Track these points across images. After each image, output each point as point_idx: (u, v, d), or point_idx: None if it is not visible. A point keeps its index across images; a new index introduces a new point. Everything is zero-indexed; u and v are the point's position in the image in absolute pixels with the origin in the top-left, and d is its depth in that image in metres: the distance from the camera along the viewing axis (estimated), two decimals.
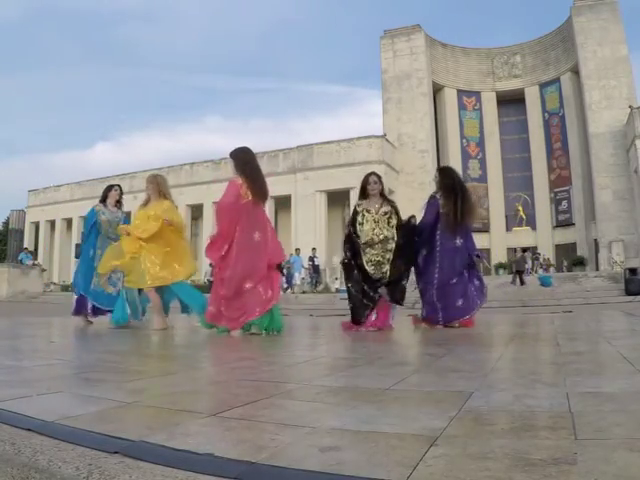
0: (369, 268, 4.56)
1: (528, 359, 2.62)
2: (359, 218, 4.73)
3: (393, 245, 4.60)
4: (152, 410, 1.46)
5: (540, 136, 33.33)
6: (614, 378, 1.86)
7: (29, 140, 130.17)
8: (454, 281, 4.75)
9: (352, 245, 4.70)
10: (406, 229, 4.67)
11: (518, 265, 20.45)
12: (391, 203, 4.80)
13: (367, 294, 4.56)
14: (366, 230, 4.63)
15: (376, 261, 4.58)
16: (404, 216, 4.77)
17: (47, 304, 17.82)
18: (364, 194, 4.81)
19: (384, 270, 4.55)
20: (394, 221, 4.67)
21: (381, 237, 4.61)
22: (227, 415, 1.35)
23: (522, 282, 19.41)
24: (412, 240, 4.70)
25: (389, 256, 4.57)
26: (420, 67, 32.40)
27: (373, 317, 4.57)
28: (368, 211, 4.71)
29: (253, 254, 4.26)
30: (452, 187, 4.93)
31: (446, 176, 5.07)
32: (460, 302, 4.75)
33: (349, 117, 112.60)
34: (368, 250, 4.60)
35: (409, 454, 0.99)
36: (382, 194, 4.82)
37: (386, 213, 4.69)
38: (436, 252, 4.75)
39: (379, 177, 4.88)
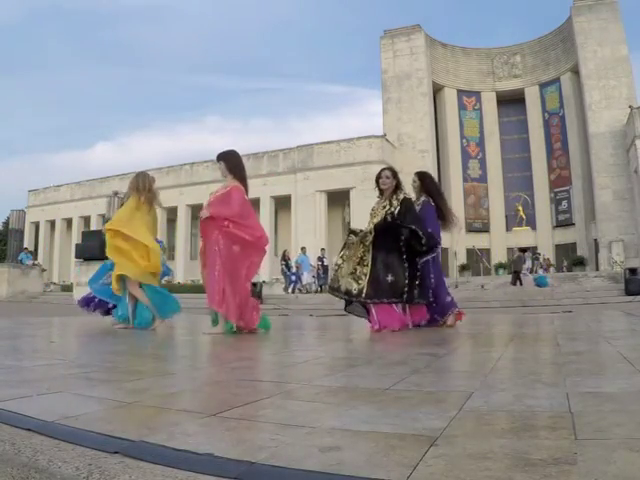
0: (337, 272, 4.42)
1: (528, 359, 2.62)
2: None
3: (371, 238, 4.28)
4: (152, 410, 1.46)
5: (540, 136, 33.36)
6: (614, 378, 1.86)
7: (29, 140, 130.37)
8: (443, 280, 4.94)
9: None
10: (388, 224, 4.30)
11: (515, 265, 20.45)
12: (396, 197, 4.42)
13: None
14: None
15: (359, 258, 4.31)
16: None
17: (47, 304, 17.83)
18: (380, 191, 4.57)
19: (366, 262, 4.27)
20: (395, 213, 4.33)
21: (361, 231, 4.36)
22: (227, 415, 1.35)
23: (517, 282, 19.37)
24: (394, 233, 4.27)
25: (370, 247, 4.27)
26: (420, 67, 32.43)
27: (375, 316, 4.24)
28: (373, 209, 4.53)
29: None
30: (438, 191, 4.99)
31: (429, 180, 5.06)
32: (449, 298, 4.85)
33: (349, 117, 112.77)
34: (347, 255, 4.40)
35: (409, 454, 0.99)
36: (396, 191, 4.48)
37: (384, 207, 4.39)
38: (431, 257, 4.72)
39: (394, 173, 4.58)
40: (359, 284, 4.25)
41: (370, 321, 4.28)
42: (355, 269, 4.31)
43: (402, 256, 4.28)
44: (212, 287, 4.21)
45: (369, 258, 4.27)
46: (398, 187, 4.50)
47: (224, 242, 4.18)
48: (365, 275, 4.24)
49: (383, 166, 4.57)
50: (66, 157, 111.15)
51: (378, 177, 4.54)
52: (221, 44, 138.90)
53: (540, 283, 18.30)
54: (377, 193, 4.60)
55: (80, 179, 38.18)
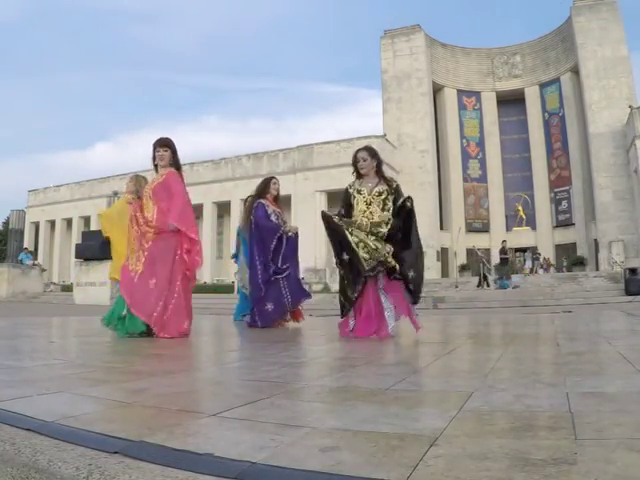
0: (361, 251, 3.69)
1: (528, 359, 2.62)
2: (351, 200, 3.97)
3: (385, 231, 3.78)
4: (152, 410, 1.46)
5: (540, 136, 33.35)
6: (614, 378, 1.86)
7: (29, 140, 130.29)
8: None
9: (333, 231, 3.84)
10: (403, 212, 3.83)
11: (482, 268, 20.43)
12: (389, 182, 3.98)
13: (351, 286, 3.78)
14: (356, 214, 3.89)
15: (371, 247, 3.73)
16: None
17: (47, 304, 17.83)
18: (358, 173, 4.05)
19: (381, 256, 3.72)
20: (390, 204, 3.87)
21: (372, 220, 3.81)
22: (227, 415, 1.35)
23: (482, 284, 19.31)
24: (410, 225, 3.83)
25: (381, 245, 3.73)
26: (420, 67, 32.42)
27: (351, 322, 3.78)
28: (359, 192, 3.95)
29: None
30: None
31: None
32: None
33: (349, 117, 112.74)
34: (356, 232, 3.76)
35: (409, 454, 0.99)
36: (379, 172, 4.03)
37: (380, 194, 3.89)
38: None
39: (373, 153, 4.06)
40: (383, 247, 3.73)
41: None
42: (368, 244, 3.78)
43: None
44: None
45: (385, 251, 3.76)
46: (380, 167, 4.05)
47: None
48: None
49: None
50: (66, 157, 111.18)
51: (355, 161, 4.04)
52: (221, 44, 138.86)
53: (502, 285, 18.43)
54: (361, 175, 4.06)
55: (80, 179, 38.26)
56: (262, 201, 5.33)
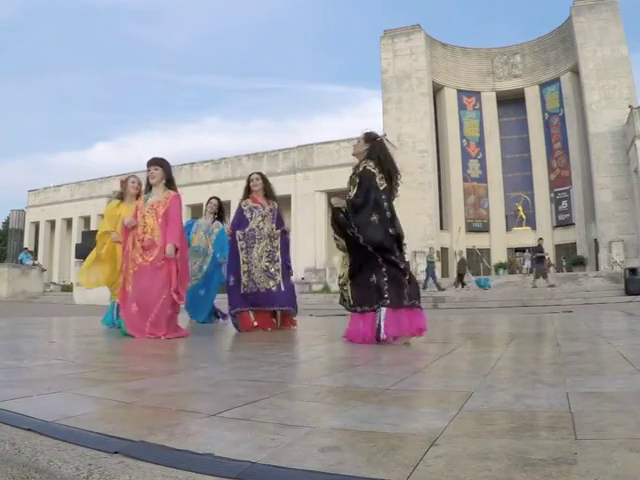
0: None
1: (528, 359, 2.62)
2: None
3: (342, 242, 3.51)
4: (152, 410, 1.46)
5: (540, 136, 33.33)
6: (614, 378, 1.86)
7: (29, 140, 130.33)
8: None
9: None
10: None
11: (459, 268, 20.31)
12: (364, 165, 3.45)
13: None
14: None
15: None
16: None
17: (47, 304, 17.83)
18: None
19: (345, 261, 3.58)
20: (354, 189, 3.41)
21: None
22: (227, 415, 1.35)
23: (462, 285, 19.19)
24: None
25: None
26: (420, 67, 32.39)
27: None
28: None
29: None
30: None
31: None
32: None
33: (349, 117, 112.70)
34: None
35: (409, 454, 0.99)
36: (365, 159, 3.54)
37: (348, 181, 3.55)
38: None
39: (367, 137, 3.60)
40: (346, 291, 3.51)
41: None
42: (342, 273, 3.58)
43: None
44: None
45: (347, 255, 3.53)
46: (370, 154, 3.49)
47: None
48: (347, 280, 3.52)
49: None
50: (66, 157, 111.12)
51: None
52: (221, 44, 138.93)
53: (482, 285, 18.39)
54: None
55: (80, 179, 38.22)
56: (241, 201, 5.27)
